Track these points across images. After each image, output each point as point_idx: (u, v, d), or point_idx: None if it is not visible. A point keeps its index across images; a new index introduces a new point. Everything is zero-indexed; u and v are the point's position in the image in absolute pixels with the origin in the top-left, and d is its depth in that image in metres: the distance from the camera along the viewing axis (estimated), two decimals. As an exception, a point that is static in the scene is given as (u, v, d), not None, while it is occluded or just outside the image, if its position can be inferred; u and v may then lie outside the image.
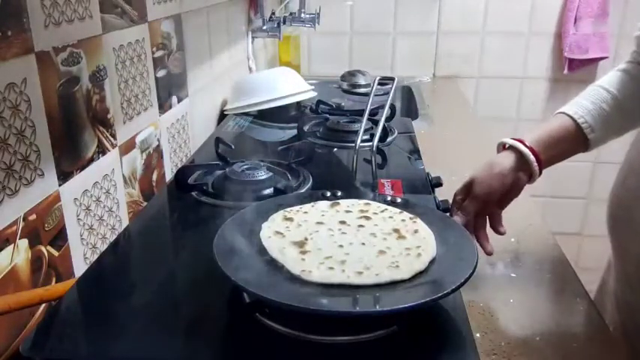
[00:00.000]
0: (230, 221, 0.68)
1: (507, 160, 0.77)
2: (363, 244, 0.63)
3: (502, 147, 0.80)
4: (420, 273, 0.58)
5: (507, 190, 0.77)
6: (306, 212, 0.70)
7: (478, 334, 0.60)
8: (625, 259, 0.84)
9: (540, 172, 0.77)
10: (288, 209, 0.71)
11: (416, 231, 0.65)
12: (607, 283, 0.91)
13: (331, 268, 0.57)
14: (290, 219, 0.68)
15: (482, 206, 0.77)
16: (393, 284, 0.56)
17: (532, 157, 0.76)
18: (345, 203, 0.73)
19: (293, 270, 0.58)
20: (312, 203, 0.73)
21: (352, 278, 0.56)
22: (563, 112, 0.79)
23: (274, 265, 0.60)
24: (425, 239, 0.64)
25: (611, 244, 0.89)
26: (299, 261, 0.59)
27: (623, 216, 0.84)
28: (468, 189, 0.78)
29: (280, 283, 0.57)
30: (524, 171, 0.77)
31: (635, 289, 0.81)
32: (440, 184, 0.91)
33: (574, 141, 0.78)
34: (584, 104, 0.78)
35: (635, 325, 0.80)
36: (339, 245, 0.62)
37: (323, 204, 0.73)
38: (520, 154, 0.76)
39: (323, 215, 0.69)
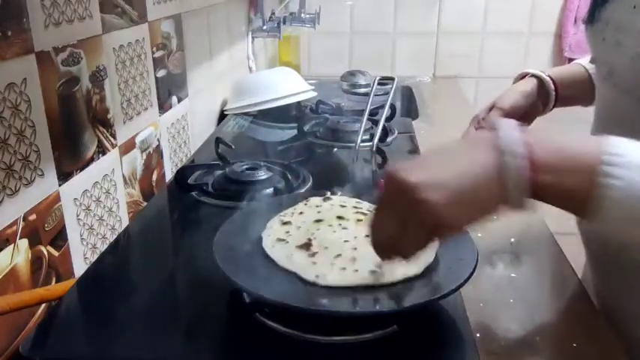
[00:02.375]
0: (230, 221, 0.68)
1: (529, 84, 0.83)
2: (367, 236, 0.63)
3: (520, 77, 0.86)
4: (424, 271, 0.58)
5: (526, 112, 0.82)
6: (301, 213, 0.70)
7: (478, 334, 0.60)
8: (590, 245, 0.83)
9: (555, 105, 0.83)
10: (283, 213, 0.70)
11: None
12: (585, 274, 0.91)
13: (344, 269, 0.57)
14: (288, 222, 0.67)
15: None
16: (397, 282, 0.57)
17: (552, 86, 0.82)
18: (336, 199, 0.73)
19: (307, 277, 0.57)
20: (304, 201, 0.72)
21: (368, 279, 0.56)
22: (579, 63, 0.84)
23: (274, 264, 0.60)
24: None
25: (579, 232, 0.88)
26: (310, 265, 0.58)
27: None
28: (490, 109, 0.83)
29: (280, 282, 0.57)
30: (542, 99, 0.83)
31: (600, 274, 0.81)
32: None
33: (585, 87, 0.82)
34: None
35: (608, 311, 0.79)
36: (345, 240, 0.62)
37: (315, 199, 0.72)
38: (541, 82, 0.82)
39: (319, 212, 0.69)
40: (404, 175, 0.45)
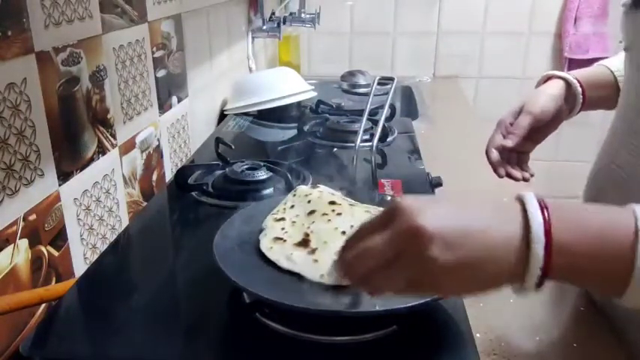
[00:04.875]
0: (230, 221, 0.68)
1: (555, 87, 0.79)
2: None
3: (544, 80, 0.82)
4: None
5: (553, 116, 0.78)
6: (292, 206, 0.68)
7: (478, 334, 0.60)
8: None
9: (581, 109, 0.79)
10: (274, 210, 0.69)
11: None
12: None
13: None
14: (282, 219, 0.66)
15: (534, 123, 0.77)
16: None
17: (579, 89, 0.78)
18: (324, 187, 0.72)
19: (311, 277, 0.56)
20: (292, 192, 0.71)
21: None
22: (603, 64, 0.80)
23: (273, 263, 0.60)
24: None
25: None
26: (312, 264, 0.58)
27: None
28: (517, 113, 0.79)
29: (280, 282, 0.57)
30: (568, 102, 0.79)
31: None
32: (440, 184, 0.91)
33: (610, 90, 0.78)
34: (621, 59, 0.77)
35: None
36: (342, 232, 0.60)
37: (303, 188, 0.71)
38: (568, 85, 0.78)
39: (309, 202, 0.67)
40: (421, 217, 0.39)
